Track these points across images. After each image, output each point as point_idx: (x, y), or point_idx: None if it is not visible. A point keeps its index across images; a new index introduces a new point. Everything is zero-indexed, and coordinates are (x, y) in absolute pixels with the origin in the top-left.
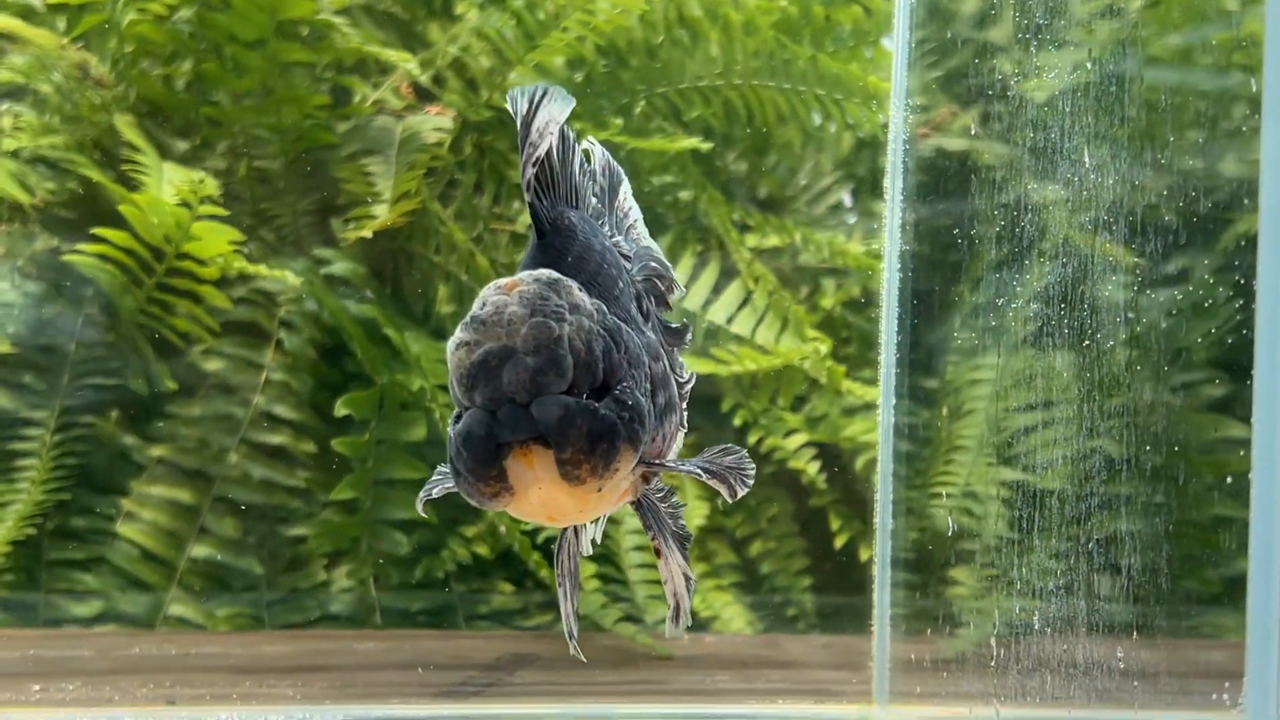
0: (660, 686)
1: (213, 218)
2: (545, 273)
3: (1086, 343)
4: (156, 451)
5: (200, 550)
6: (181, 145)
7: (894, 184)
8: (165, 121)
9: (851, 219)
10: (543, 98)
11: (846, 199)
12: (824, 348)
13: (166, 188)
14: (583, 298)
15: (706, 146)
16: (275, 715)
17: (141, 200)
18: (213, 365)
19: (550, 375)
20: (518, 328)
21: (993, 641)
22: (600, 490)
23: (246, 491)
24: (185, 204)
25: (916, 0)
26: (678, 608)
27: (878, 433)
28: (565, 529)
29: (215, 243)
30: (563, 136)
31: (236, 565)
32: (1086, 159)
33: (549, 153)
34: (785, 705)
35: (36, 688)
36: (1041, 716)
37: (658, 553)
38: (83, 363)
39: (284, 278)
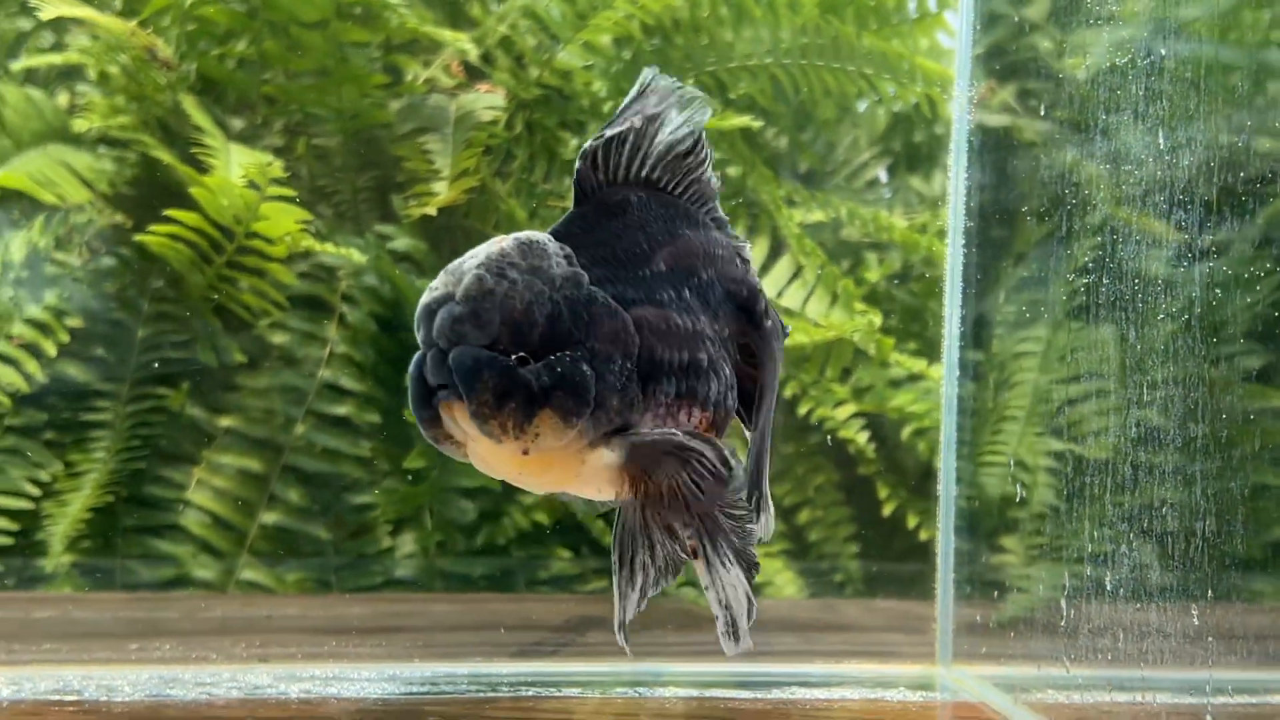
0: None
1: (281, 198)
2: (529, 234)
3: (1160, 317)
4: (226, 422)
5: (269, 517)
6: (238, 123)
7: (957, 161)
8: (222, 100)
9: (887, 194)
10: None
11: (882, 174)
12: (876, 320)
13: (235, 169)
14: (554, 264)
15: (758, 125)
16: (367, 672)
17: (212, 183)
18: (278, 339)
19: (468, 325)
20: (462, 277)
21: (1062, 603)
22: (527, 453)
23: (313, 460)
24: (254, 185)
25: None
26: (733, 624)
27: (923, 403)
28: (622, 511)
29: (283, 222)
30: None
31: (304, 531)
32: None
33: (643, 138)
34: (850, 665)
35: (134, 646)
36: (1113, 675)
37: (693, 554)
38: (151, 336)
39: (350, 255)
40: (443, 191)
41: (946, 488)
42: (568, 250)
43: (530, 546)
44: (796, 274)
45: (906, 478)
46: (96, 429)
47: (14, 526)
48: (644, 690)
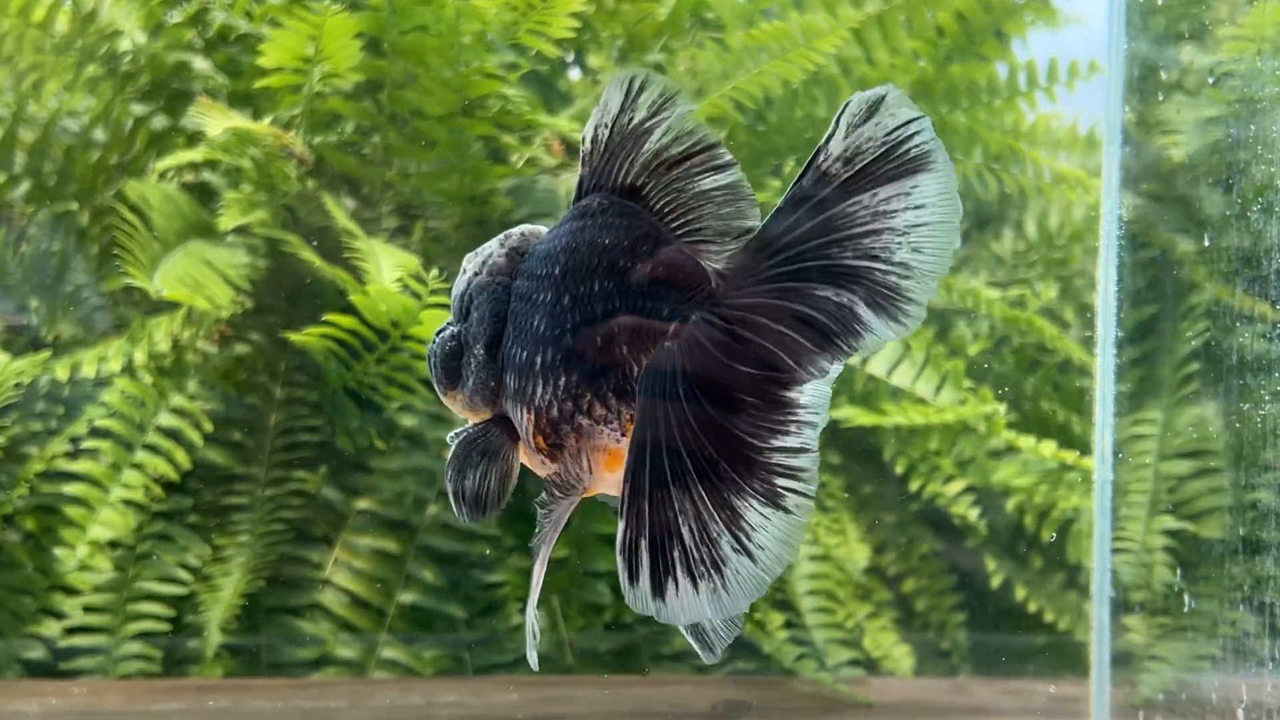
0: None
1: (440, 306)
2: (522, 227)
3: None
4: (361, 504)
5: (406, 596)
6: (350, 203)
7: (1107, 275)
8: (334, 181)
9: (958, 260)
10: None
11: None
12: (1000, 409)
13: (386, 271)
14: (496, 254)
15: None
16: None
17: (373, 290)
18: (407, 421)
19: None
20: None
21: (1243, 687)
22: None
23: (446, 540)
24: (415, 294)
25: (1131, 74)
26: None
27: (1027, 476)
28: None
29: (438, 326)
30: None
31: (440, 610)
32: None
33: (636, 149)
34: None
35: None
36: None
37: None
38: (285, 421)
39: None
40: None
41: (1101, 564)
42: (520, 244)
43: (652, 622)
44: (905, 354)
45: (1010, 548)
46: (238, 512)
47: (168, 612)
48: None
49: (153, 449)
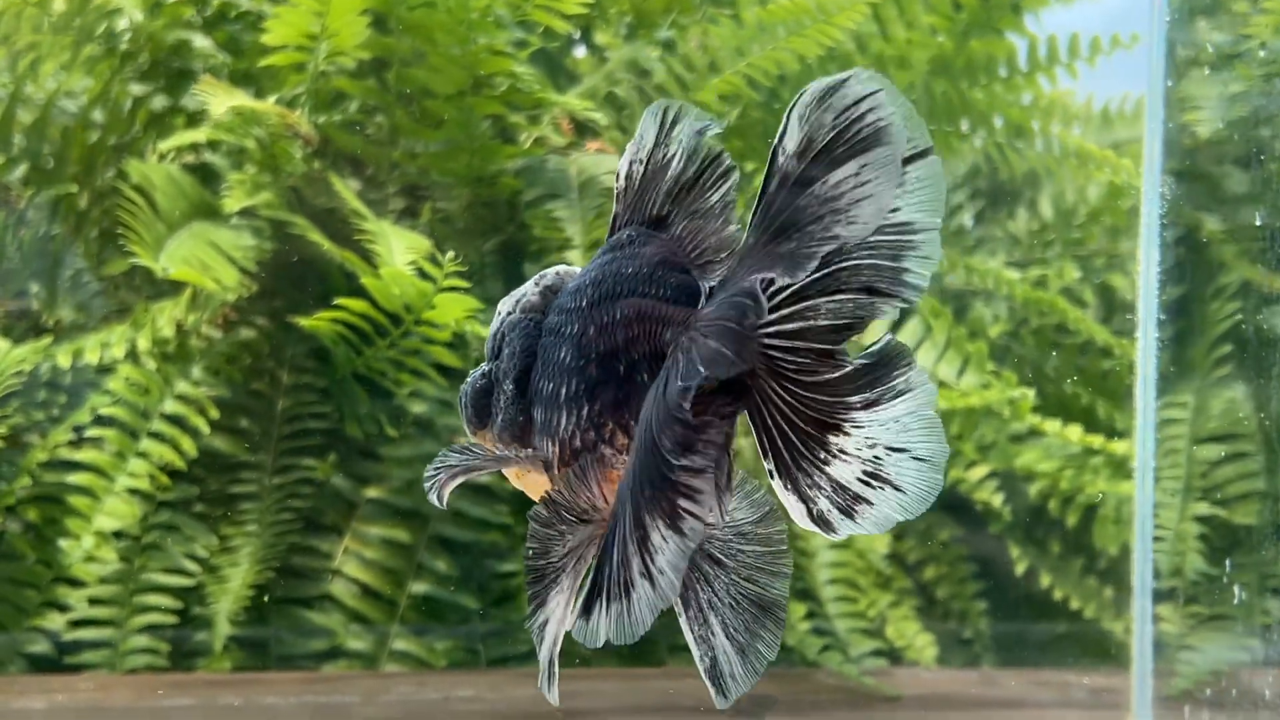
0: None
1: (454, 289)
2: (557, 267)
3: None
4: (371, 492)
5: (418, 587)
6: (354, 184)
7: (1149, 254)
8: (351, 167)
9: (973, 239)
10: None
11: (969, 220)
12: (1030, 392)
13: (398, 254)
14: (529, 292)
15: None
16: None
17: (387, 273)
18: (418, 408)
19: None
20: None
21: None
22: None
23: (458, 529)
24: (429, 277)
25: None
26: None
27: (1051, 461)
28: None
29: (453, 310)
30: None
31: (452, 601)
32: None
33: (660, 179)
34: None
35: None
36: None
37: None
38: (292, 407)
39: (478, 331)
40: (576, 263)
41: (1142, 552)
42: (554, 283)
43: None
44: (926, 336)
45: (1032, 534)
46: (245, 501)
47: (176, 604)
48: None
49: (158, 436)
